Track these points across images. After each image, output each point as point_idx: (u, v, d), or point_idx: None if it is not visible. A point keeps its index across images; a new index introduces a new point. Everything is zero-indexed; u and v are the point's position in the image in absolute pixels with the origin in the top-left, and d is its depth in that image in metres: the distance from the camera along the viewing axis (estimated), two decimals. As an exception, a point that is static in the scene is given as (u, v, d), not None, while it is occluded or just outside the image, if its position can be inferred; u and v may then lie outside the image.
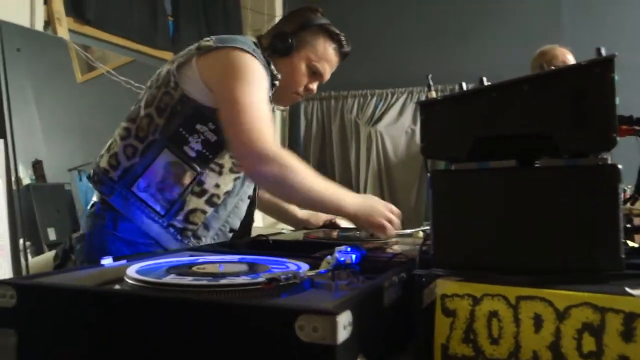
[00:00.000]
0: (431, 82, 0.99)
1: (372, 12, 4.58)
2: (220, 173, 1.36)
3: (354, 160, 4.58)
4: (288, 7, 4.80)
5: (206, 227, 1.38)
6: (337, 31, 1.49)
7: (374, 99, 4.54)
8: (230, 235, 1.44)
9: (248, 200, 1.48)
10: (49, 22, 3.01)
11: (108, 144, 1.41)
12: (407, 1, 4.49)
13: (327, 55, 1.48)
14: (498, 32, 4.20)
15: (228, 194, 1.39)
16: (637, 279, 0.71)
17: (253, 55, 1.33)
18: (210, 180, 1.35)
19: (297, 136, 4.76)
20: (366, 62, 4.51)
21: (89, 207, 1.43)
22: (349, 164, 4.60)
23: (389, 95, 4.50)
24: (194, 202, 1.35)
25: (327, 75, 1.52)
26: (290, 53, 1.45)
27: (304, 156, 4.46)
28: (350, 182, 4.48)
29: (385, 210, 1.31)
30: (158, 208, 1.33)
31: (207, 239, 1.39)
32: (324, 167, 4.58)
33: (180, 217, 1.34)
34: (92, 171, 1.42)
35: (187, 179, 1.34)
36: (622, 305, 0.64)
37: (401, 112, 4.46)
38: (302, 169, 1.28)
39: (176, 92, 1.32)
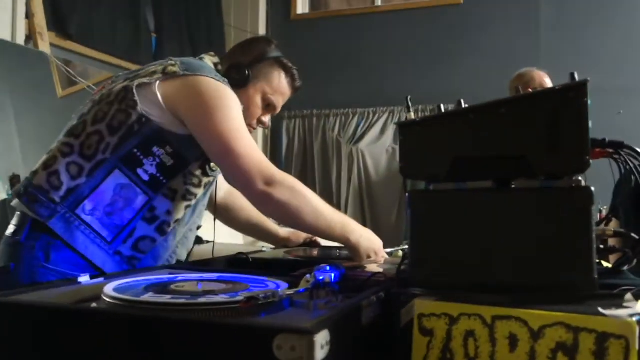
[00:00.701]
0: (410, 104, 1.01)
1: (354, 33, 4.64)
2: (173, 199, 1.29)
3: (335, 178, 4.60)
4: (271, 26, 4.85)
5: (154, 256, 1.31)
6: (291, 64, 1.48)
7: (356, 118, 4.58)
8: None
9: (196, 231, 1.44)
10: (30, 37, 3.00)
11: (44, 160, 1.27)
12: (389, 23, 4.56)
13: (282, 89, 1.47)
14: (478, 54, 4.28)
15: (178, 222, 1.32)
16: (610, 299, 0.73)
17: (223, 82, 1.30)
18: (162, 206, 1.28)
19: (279, 154, 4.77)
20: (348, 81, 4.57)
21: (8, 233, 1.26)
22: (331, 182, 4.62)
23: (371, 114, 4.54)
24: (143, 229, 1.27)
25: (279, 108, 1.50)
26: (246, 85, 1.42)
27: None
28: (331, 200, 4.49)
29: (379, 244, 1.35)
30: (105, 234, 1.24)
31: None
32: (305, 185, 4.59)
33: (128, 244, 1.26)
34: (21, 189, 1.25)
35: (138, 204, 1.26)
36: (595, 325, 0.65)
37: (382, 131, 4.50)
38: (310, 195, 1.27)
39: (135, 111, 1.25)
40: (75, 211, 1.22)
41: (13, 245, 1.23)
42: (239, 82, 1.40)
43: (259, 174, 1.22)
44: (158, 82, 1.27)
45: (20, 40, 2.92)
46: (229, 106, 1.27)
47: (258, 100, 1.45)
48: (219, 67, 1.42)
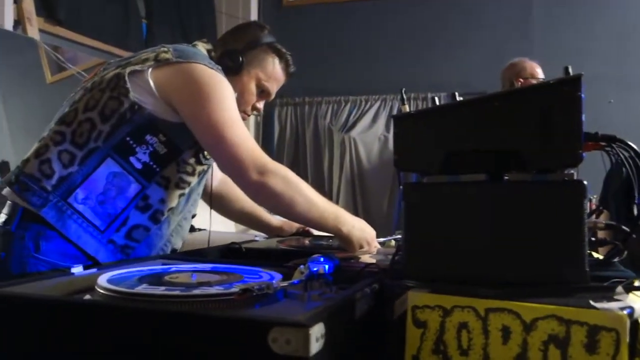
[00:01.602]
0: (405, 96, 1.01)
1: (347, 21, 4.62)
2: (166, 188, 1.29)
3: (327, 166, 4.60)
4: (263, 12, 4.81)
5: (148, 245, 1.29)
6: (285, 50, 1.47)
7: (348, 106, 4.57)
8: None
9: (191, 220, 1.44)
10: (19, 22, 2.95)
11: (35, 148, 1.26)
12: (382, 10, 4.54)
13: (276, 75, 1.46)
14: (470, 42, 4.27)
15: (172, 210, 1.32)
16: (601, 292, 0.74)
17: (216, 70, 1.29)
18: (155, 194, 1.27)
19: (270, 141, 4.76)
20: (341, 69, 4.55)
21: (0, 221, 1.25)
22: (322, 169, 4.62)
23: (363, 102, 4.53)
24: (137, 218, 1.26)
25: (273, 94, 1.50)
26: (240, 72, 1.41)
27: (277, 161, 4.47)
28: (323, 188, 4.49)
29: (372, 234, 1.34)
30: (97, 222, 1.23)
31: None
32: (297, 173, 4.58)
33: (121, 233, 1.25)
34: (12, 177, 1.24)
35: (131, 192, 1.25)
36: (587, 317, 0.66)
37: (374, 119, 4.49)
38: (303, 185, 1.27)
39: (127, 98, 1.23)
40: (68, 200, 1.21)
41: (3, 234, 1.23)
42: (232, 69, 1.40)
43: (252, 163, 1.22)
44: (150, 69, 1.25)
45: (9, 25, 2.88)
46: (223, 94, 1.26)
47: (252, 86, 1.44)
48: (212, 54, 1.41)
